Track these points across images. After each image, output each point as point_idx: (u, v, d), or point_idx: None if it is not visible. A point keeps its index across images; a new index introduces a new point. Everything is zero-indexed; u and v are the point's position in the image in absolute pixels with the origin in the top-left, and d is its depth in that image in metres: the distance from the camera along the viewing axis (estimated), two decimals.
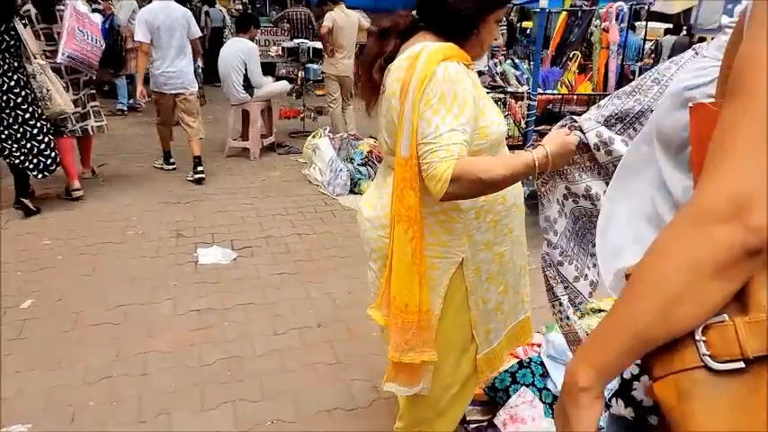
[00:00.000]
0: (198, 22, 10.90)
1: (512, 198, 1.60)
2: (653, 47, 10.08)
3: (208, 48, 10.35)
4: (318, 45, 7.10)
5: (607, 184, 1.28)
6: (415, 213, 1.42)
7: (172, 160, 5.48)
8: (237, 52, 5.67)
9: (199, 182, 5.05)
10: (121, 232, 3.92)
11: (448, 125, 1.32)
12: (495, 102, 3.36)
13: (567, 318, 1.60)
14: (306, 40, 7.29)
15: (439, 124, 1.32)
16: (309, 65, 7.00)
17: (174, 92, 5.03)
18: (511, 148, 3.65)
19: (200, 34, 5.13)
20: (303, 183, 5.27)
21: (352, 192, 4.92)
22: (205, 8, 11.26)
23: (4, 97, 3.87)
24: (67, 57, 4.24)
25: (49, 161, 4.14)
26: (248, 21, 5.87)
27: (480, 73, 4.37)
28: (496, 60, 4.14)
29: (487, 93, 1.79)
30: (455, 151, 1.31)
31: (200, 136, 5.29)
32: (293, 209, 4.52)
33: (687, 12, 11.08)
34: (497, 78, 4.12)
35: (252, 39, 5.85)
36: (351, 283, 3.26)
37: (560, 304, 1.62)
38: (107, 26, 6.28)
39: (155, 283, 3.21)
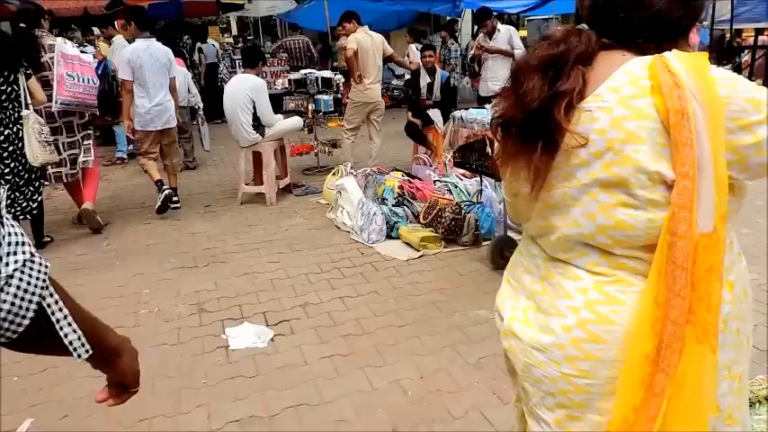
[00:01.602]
0: (190, 58, 10.57)
1: None
2: None
3: (204, 85, 9.93)
4: (327, 74, 6.60)
5: None
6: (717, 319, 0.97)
7: (165, 186, 5.11)
8: (244, 90, 5.15)
9: (169, 199, 5.03)
10: (133, 311, 3.33)
11: None
12: None
13: None
14: (313, 70, 6.80)
15: None
16: (319, 96, 6.50)
17: (160, 128, 5.09)
18: None
19: (174, 75, 5.23)
20: (331, 229, 4.70)
21: (389, 237, 4.34)
22: (198, 44, 10.85)
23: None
24: (61, 104, 4.37)
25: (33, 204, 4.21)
26: (256, 55, 5.36)
27: None
28: None
29: None
30: None
31: (177, 171, 5.50)
32: (327, 264, 3.94)
33: None
34: None
35: (258, 74, 5.33)
36: (419, 364, 2.67)
37: None
38: (100, 71, 5.82)
39: (181, 382, 2.62)
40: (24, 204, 4.14)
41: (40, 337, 0.79)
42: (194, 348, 2.90)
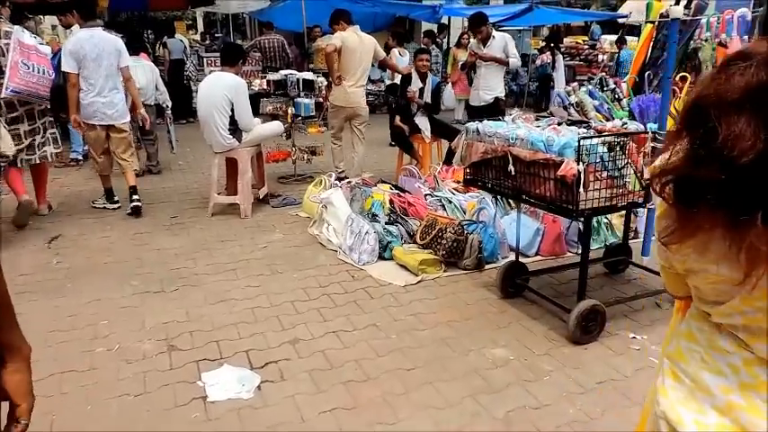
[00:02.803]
0: (154, 53, 9.90)
1: None
2: None
3: (168, 81, 9.27)
4: (309, 76, 6.13)
5: None
6: None
7: (116, 198, 5.08)
8: (222, 90, 4.64)
9: (136, 212, 4.86)
10: (88, 348, 2.80)
11: None
12: (613, 146, 2.47)
13: None
14: (294, 71, 6.32)
15: None
16: (299, 99, 6.04)
17: (104, 123, 4.82)
18: (632, 206, 2.79)
19: (129, 64, 4.98)
20: (314, 247, 4.25)
21: (380, 257, 3.92)
22: (165, 38, 10.19)
23: None
24: (11, 91, 4.20)
25: None
26: (236, 53, 4.84)
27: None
28: (569, 88, 3.27)
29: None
30: None
31: (135, 168, 5.16)
32: (315, 289, 3.49)
33: None
34: (572, 110, 3.26)
35: (237, 74, 4.83)
36: (438, 420, 2.26)
37: None
38: (55, 63, 5.21)
39: None
40: None
41: None
42: (164, 400, 2.40)
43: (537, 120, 3.10)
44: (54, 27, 7.85)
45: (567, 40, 15.49)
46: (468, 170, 3.15)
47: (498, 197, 4.10)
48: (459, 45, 9.99)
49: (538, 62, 11.98)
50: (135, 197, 4.90)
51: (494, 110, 5.98)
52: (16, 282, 3.54)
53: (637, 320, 3.06)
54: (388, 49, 8.81)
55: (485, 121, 2.98)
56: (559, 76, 12.62)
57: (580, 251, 4.13)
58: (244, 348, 2.80)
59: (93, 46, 4.62)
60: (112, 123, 4.83)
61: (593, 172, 2.41)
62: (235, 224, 4.78)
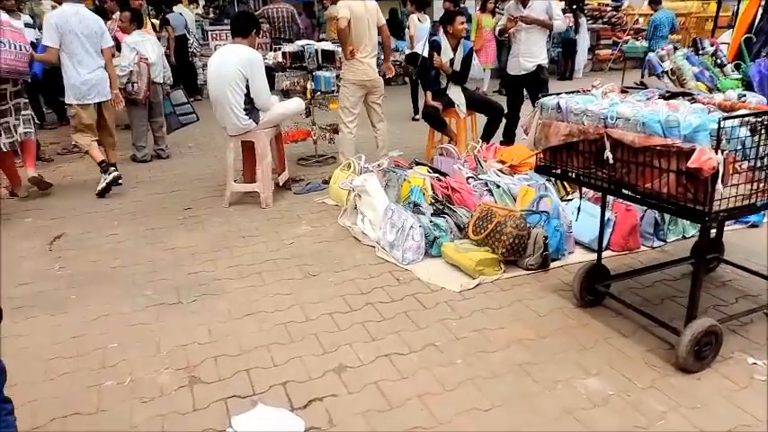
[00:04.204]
0: (158, 31, 9.25)
1: None
2: None
3: (174, 62, 8.67)
4: (328, 46, 5.52)
5: None
6: None
7: (112, 168, 4.78)
8: (235, 64, 4.07)
9: (115, 181, 4.71)
10: (96, 382, 2.33)
11: None
12: (757, 128, 1.91)
13: None
14: (312, 42, 5.70)
15: None
16: (319, 72, 5.45)
17: (98, 100, 4.75)
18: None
19: (112, 44, 4.96)
20: (348, 242, 3.74)
21: (426, 254, 3.41)
22: (165, 13, 9.52)
23: None
24: None
25: None
26: (249, 22, 4.24)
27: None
28: (662, 52, 2.68)
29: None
30: None
31: (115, 147, 5.15)
32: (356, 297, 2.99)
33: None
34: (666, 79, 2.68)
35: (252, 46, 4.26)
36: None
37: None
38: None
39: None
40: None
41: None
42: None
43: (624, 92, 2.53)
44: (54, 6, 7.27)
45: (590, 2, 14.60)
46: (542, 155, 2.60)
47: (555, 180, 3.59)
48: (483, 9, 9.26)
49: None
50: (112, 168, 4.78)
51: (535, 79, 5.38)
52: (14, 294, 3.08)
53: (748, 338, 2.53)
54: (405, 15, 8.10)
55: (570, 96, 2.41)
56: (583, 41, 11.84)
57: (656, 244, 3.65)
58: (280, 380, 2.31)
59: (79, 22, 4.51)
60: (104, 99, 4.78)
61: (733, 162, 1.85)
62: (255, 215, 4.27)
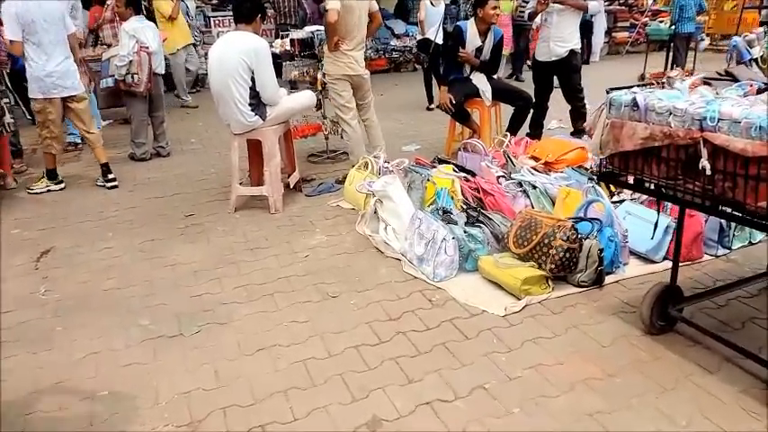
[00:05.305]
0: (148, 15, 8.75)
1: None
2: None
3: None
4: None
5: None
6: None
7: (60, 178, 4.68)
8: (238, 54, 3.64)
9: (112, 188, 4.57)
10: None
11: None
12: None
13: None
14: (321, 27, 5.26)
15: None
16: None
17: (65, 95, 4.42)
18: None
19: (76, 29, 4.70)
20: (369, 253, 3.33)
21: (461, 268, 3.00)
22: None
23: None
24: None
25: None
26: (253, 6, 3.77)
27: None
28: (751, 36, 2.24)
29: None
30: None
31: (101, 142, 4.72)
32: (385, 324, 2.58)
33: None
34: (755, 67, 2.24)
35: (257, 33, 3.81)
36: None
37: None
38: None
39: None
40: None
41: None
42: None
43: (706, 84, 2.09)
44: None
45: None
46: (607, 161, 2.17)
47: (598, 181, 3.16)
48: None
49: None
50: (110, 176, 4.64)
51: (567, 66, 4.93)
52: None
53: None
54: None
55: (647, 90, 1.98)
56: (599, 23, 11.28)
57: (720, 252, 3.22)
58: None
59: (40, 8, 4.19)
60: (72, 93, 4.44)
61: None
62: (264, 222, 3.86)
